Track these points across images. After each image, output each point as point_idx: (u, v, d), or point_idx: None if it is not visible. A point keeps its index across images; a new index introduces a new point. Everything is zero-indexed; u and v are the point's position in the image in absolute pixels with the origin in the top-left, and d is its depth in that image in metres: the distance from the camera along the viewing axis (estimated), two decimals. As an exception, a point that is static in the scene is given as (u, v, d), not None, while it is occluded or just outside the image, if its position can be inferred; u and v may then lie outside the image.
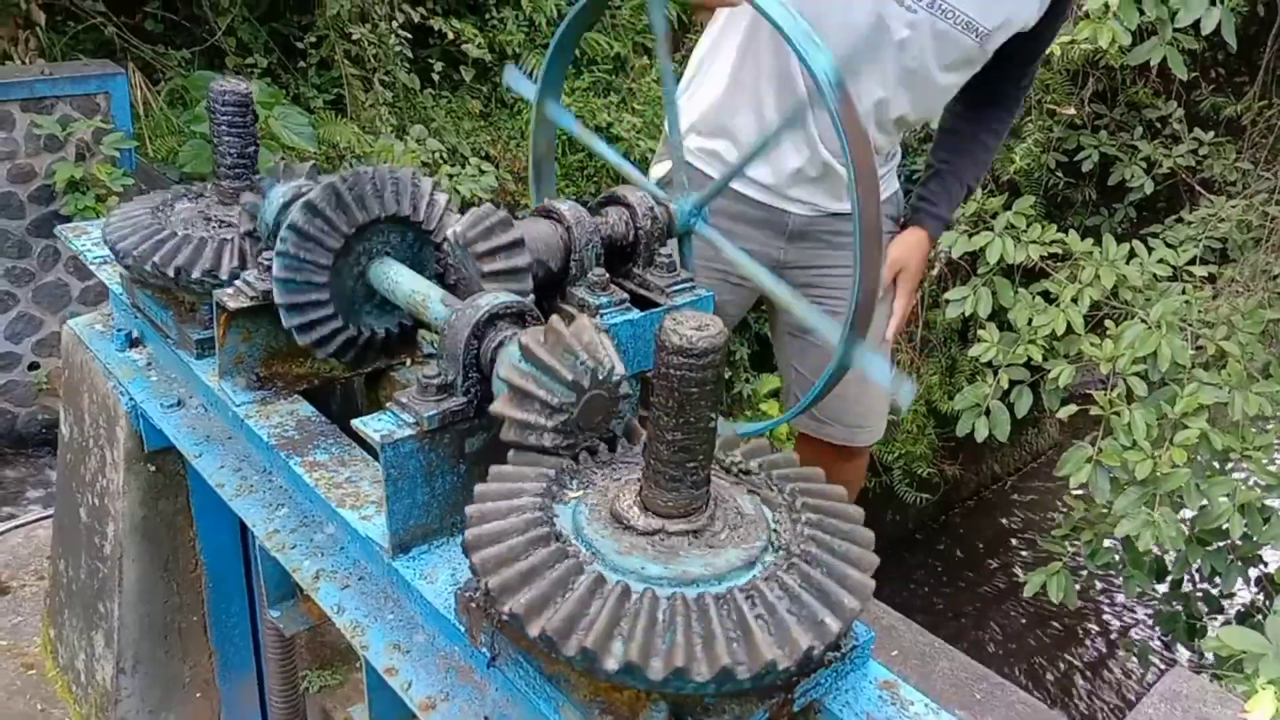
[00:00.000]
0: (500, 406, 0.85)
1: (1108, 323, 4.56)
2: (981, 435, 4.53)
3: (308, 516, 1.13)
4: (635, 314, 1.10)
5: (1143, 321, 4.39)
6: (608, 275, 1.11)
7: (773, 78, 1.84)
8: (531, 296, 1.02)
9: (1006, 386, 4.65)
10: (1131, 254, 4.71)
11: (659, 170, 2.02)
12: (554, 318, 0.91)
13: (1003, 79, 2.00)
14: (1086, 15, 4.25)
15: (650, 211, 1.17)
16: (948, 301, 4.91)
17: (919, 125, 2.22)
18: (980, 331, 4.81)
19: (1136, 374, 4.31)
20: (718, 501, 0.83)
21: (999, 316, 4.91)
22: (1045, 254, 4.77)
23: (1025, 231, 4.78)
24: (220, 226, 1.27)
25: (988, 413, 4.61)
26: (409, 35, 5.73)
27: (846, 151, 0.99)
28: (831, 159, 1.89)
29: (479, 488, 0.82)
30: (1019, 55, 1.92)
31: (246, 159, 1.29)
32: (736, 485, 0.88)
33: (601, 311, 1.09)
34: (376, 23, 5.54)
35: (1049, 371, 4.52)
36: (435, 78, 6.09)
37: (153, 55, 5.48)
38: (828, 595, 0.75)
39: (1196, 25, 4.29)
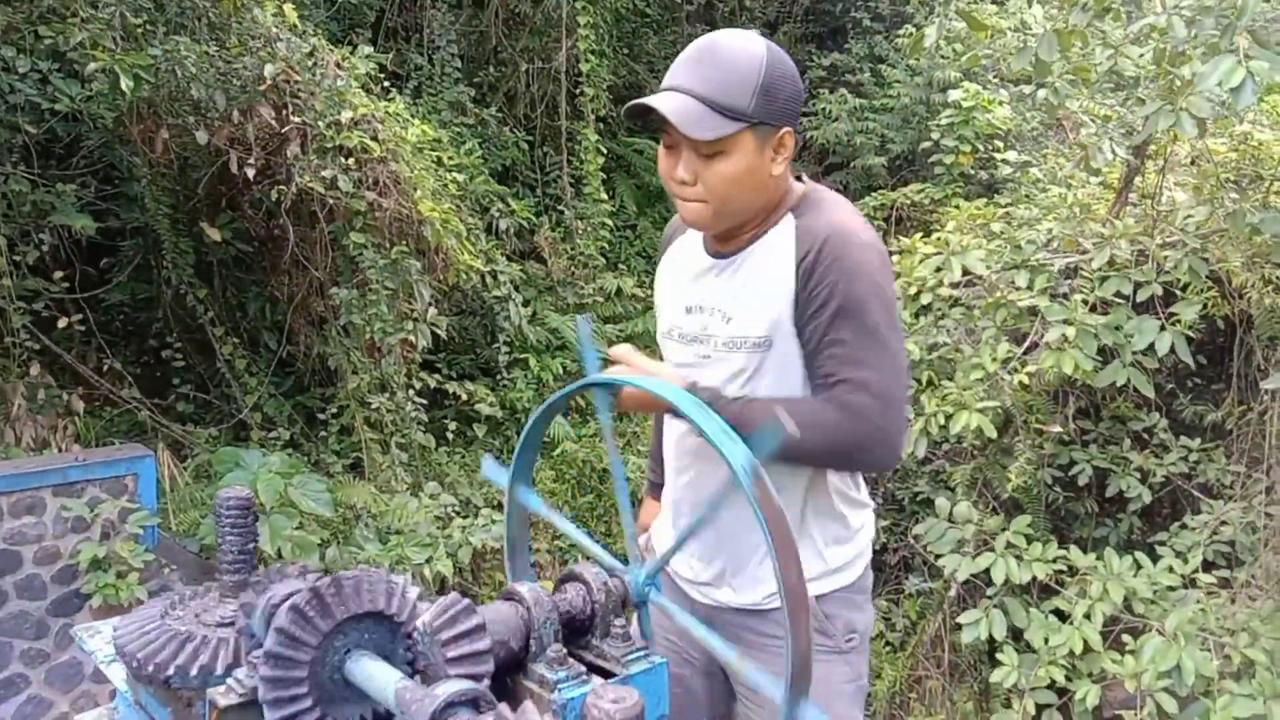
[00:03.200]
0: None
1: (1125, 636, 4.51)
2: (1016, 767, 4.35)
3: None
4: (590, 685, 1.18)
5: (1159, 634, 4.35)
6: (565, 651, 1.21)
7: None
8: (488, 681, 1.11)
9: (1034, 712, 4.52)
10: (1139, 565, 4.73)
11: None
12: (502, 706, 1.00)
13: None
14: (1048, 345, 4.55)
15: (605, 586, 1.28)
16: (960, 626, 4.87)
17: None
18: (999, 655, 4.74)
19: (1164, 689, 4.21)
20: None
21: (1020, 636, 4.85)
22: (1052, 570, 4.79)
23: (1028, 550, 4.83)
24: (219, 626, 1.38)
25: (1019, 741, 4.46)
26: (424, 401, 6.11)
27: (765, 531, 1.12)
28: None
29: None
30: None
31: (246, 555, 1.44)
32: None
33: (559, 686, 1.17)
34: (395, 391, 5.94)
35: (1074, 693, 4.42)
36: (449, 435, 6.42)
37: (182, 434, 5.84)
38: None
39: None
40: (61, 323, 5.23)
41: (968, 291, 5.33)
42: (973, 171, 7.56)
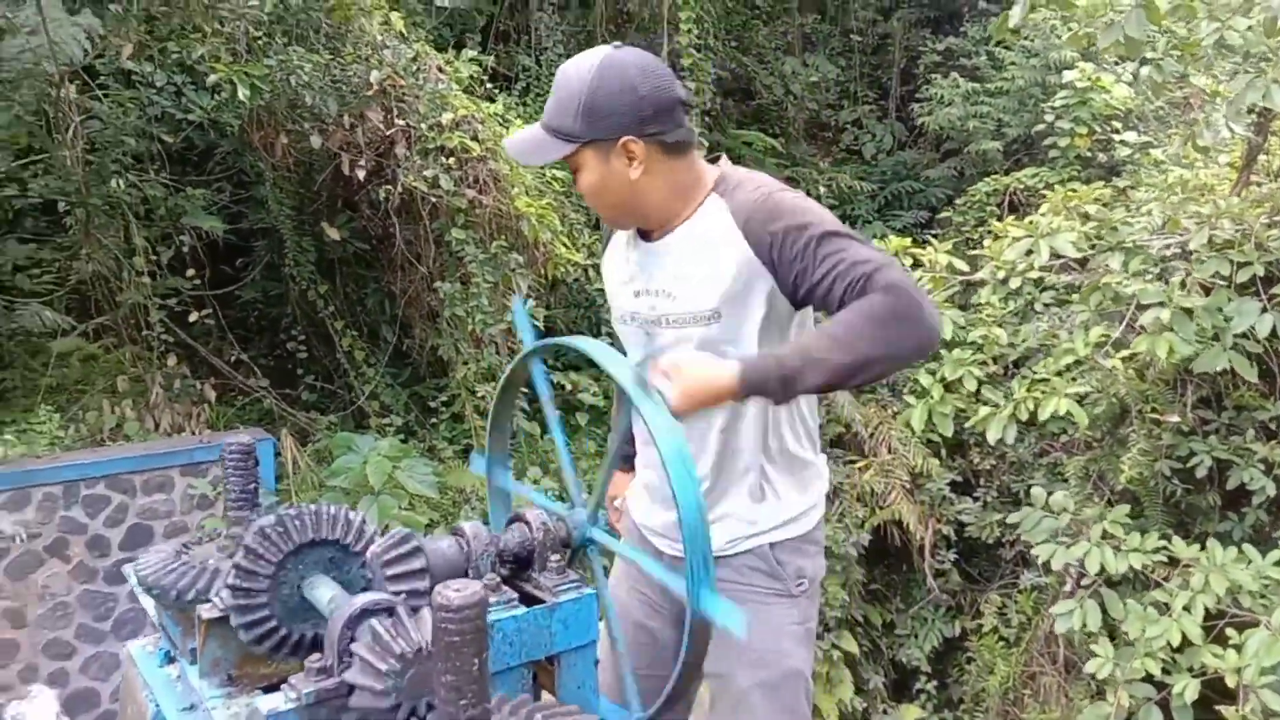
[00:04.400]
0: (360, 649, 1.06)
1: (1230, 631, 4.34)
2: (1107, 760, 4.25)
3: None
4: (519, 611, 1.31)
5: (1266, 629, 4.17)
6: (499, 579, 1.34)
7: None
8: (421, 598, 1.26)
9: (1128, 704, 4.40)
10: (1249, 559, 4.54)
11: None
12: (424, 610, 1.14)
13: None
14: (1143, 329, 4.41)
15: (544, 526, 1.41)
16: (1054, 616, 4.78)
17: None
18: (1093, 646, 4.63)
19: (1267, 685, 4.04)
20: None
21: (1117, 629, 4.73)
22: (1152, 561, 4.64)
23: (1126, 540, 4.69)
24: (223, 554, 1.57)
25: (1112, 735, 4.35)
26: (528, 391, 6.31)
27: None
28: None
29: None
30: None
31: (248, 494, 1.63)
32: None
33: (491, 609, 1.31)
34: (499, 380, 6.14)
35: (1172, 686, 4.28)
36: (554, 424, 6.62)
37: (306, 421, 6.24)
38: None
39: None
40: (192, 317, 5.66)
41: (1066, 277, 5.20)
42: (1091, 154, 7.31)
